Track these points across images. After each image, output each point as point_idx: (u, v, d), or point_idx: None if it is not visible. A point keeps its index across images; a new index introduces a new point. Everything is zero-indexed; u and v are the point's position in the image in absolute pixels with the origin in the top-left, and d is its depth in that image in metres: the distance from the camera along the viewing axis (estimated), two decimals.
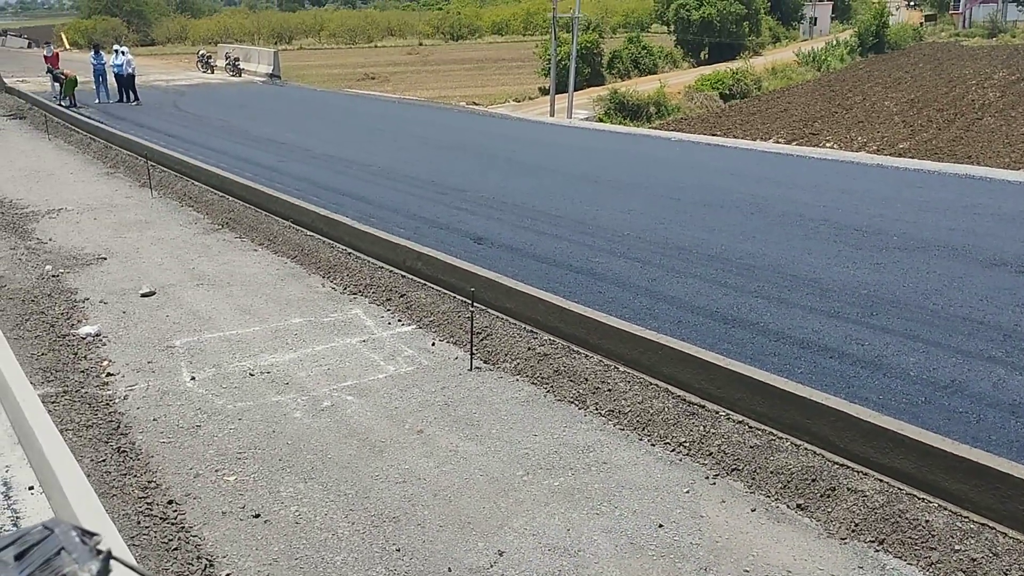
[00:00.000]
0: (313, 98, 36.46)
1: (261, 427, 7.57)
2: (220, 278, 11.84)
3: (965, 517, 5.79)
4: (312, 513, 6.24)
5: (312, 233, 13.43)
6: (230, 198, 16.08)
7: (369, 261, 11.95)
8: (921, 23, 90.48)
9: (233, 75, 44.22)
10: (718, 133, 31.78)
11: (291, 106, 32.72)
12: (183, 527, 6.07)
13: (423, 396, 8.15)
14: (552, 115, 35.66)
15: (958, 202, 14.60)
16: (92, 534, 1.63)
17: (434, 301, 10.38)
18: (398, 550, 5.80)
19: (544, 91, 43.20)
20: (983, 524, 5.71)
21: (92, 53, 31.27)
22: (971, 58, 59.35)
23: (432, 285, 10.82)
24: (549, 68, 39.09)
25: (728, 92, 46.04)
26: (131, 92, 30.75)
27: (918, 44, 74.57)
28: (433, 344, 9.45)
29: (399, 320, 10.17)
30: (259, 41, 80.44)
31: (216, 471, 6.84)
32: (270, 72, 42.95)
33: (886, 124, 34.13)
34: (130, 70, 30.25)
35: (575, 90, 37.98)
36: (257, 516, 6.20)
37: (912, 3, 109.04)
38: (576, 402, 7.94)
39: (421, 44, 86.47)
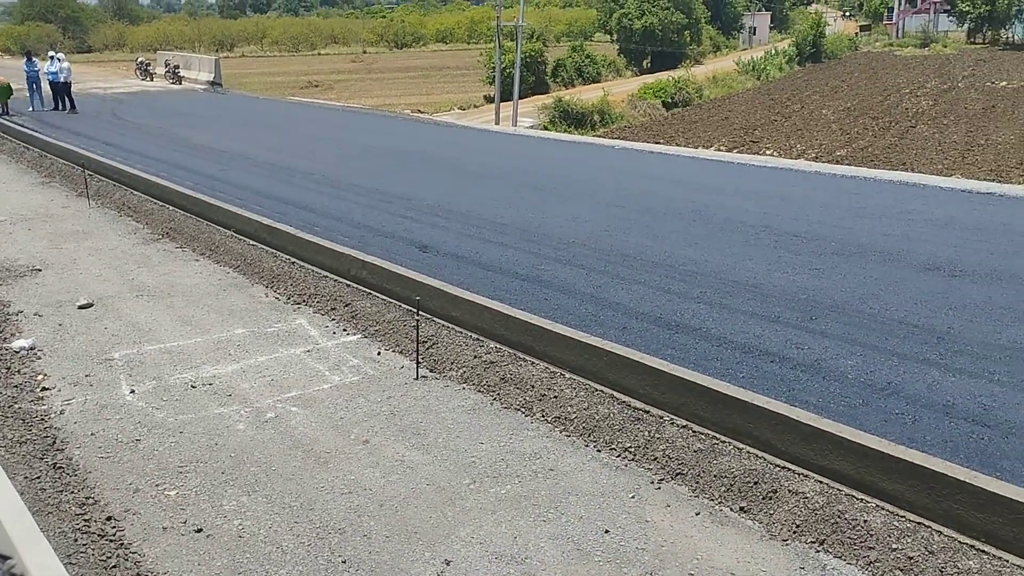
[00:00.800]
0: (255, 106, 36.04)
1: (203, 440, 7.44)
2: (160, 289, 11.63)
3: (902, 516, 5.93)
4: (256, 527, 6.15)
5: (255, 243, 13.26)
6: (170, 208, 15.81)
7: (313, 270, 11.84)
8: (856, 33, 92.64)
9: (173, 83, 43.54)
10: (661, 141, 32.13)
11: (233, 114, 32.31)
12: (122, 544, 5.94)
13: (369, 406, 8.10)
14: (497, 123, 35.75)
15: (893, 208, 14.97)
16: (5, 557, 1.59)
17: (379, 310, 10.32)
18: (344, 562, 5.74)
19: (489, 99, 43.31)
20: (919, 523, 5.85)
21: (25, 60, 30.56)
22: (904, 67, 60.97)
23: (377, 294, 10.76)
24: (494, 76, 39.20)
25: (670, 100, 46.61)
26: (67, 100, 30.09)
27: (854, 53, 76.36)
28: (378, 353, 9.39)
29: (344, 330, 10.10)
30: (200, 48, 79.29)
31: (157, 486, 6.70)
32: (211, 80, 42.38)
33: (824, 132, 34.85)
34: (63, 77, 29.59)
35: (520, 98, 38.14)
36: (199, 531, 6.09)
37: (847, 13, 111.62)
38: (522, 409, 7.95)
39: (365, 52, 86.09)
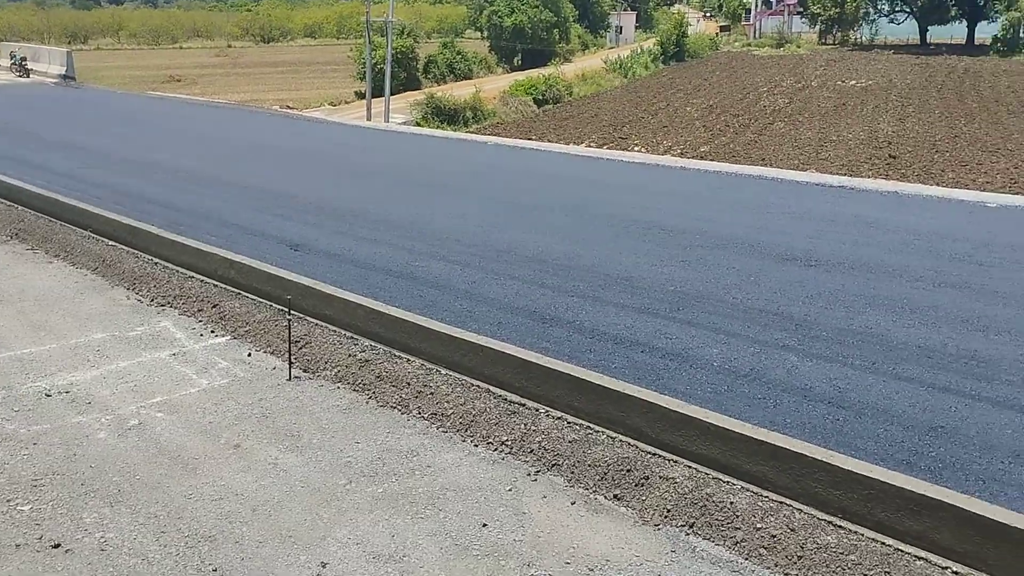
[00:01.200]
0: (113, 101, 34.46)
1: (60, 451, 7.06)
2: (9, 293, 10.97)
3: (765, 496, 6.19)
4: (119, 539, 5.88)
5: (115, 243, 12.68)
6: (19, 208, 14.93)
7: (178, 271, 11.42)
8: (717, 33, 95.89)
9: (20, 76, 41.19)
10: (533, 137, 32.44)
11: (89, 109, 30.79)
12: None
13: (239, 409, 7.87)
14: (369, 119, 35.30)
15: (753, 201, 15.60)
16: None
17: (249, 310, 10.05)
18: (215, 570, 5.56)
19: (360, 95, 42.69)
20: (781, 502, 6.12)
21: None
22: (762, 67, 63.56)
23: (247, 294, 10.47)
24: (365, 72, 38.70)
25: (541, 97, 47.05)
26: None
27: (715, 53, 79.07)
28: (249, 355, 9.15)
29: (212, 331, 9.78)
30: (50, 40, 74.98)
31: (7, 501, 6.32)
32: (63, 73, 40.32)
33: (688, 129, 35.97)
34: None
35: (391, 94, 37.79)
36: (57, 546, 5.77)
37: (708, 14, 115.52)
38: (399, 407, 7.90)
39: (230, 46, 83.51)
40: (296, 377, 8.55)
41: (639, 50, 69.17)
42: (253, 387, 8.34)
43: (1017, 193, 20.19)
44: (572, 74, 54.85)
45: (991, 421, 6.89)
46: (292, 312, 8.90)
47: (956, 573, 5.36)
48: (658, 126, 36.85)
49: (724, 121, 37.72)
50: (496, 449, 7.15)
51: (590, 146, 30.69)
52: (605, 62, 62.87)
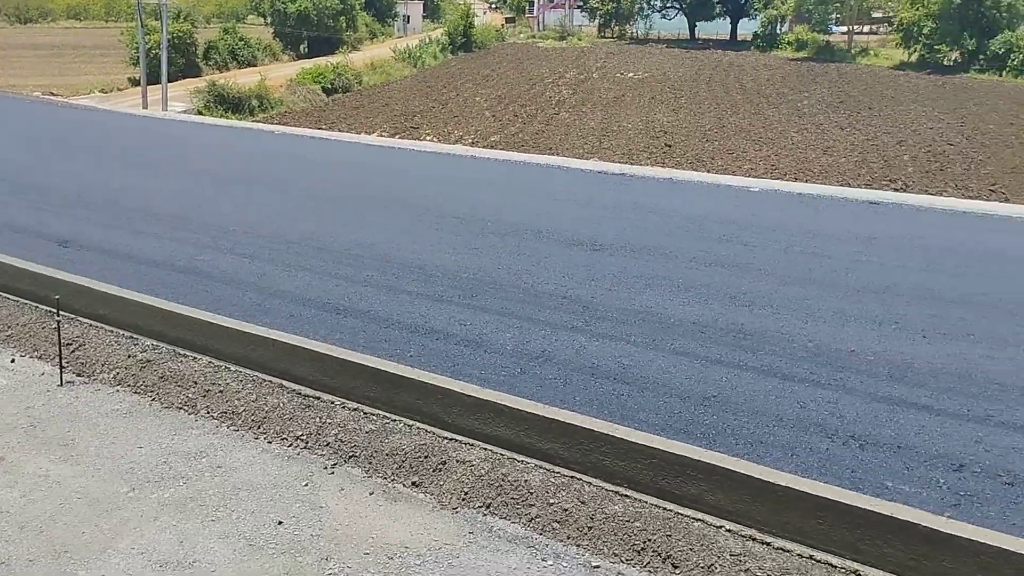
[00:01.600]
0: None
1: None
2: None
3: (557, 472, 6.42)
4: None
5: None
6: None
7: None
8: (503, 25, 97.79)
9: None
10: (323, 127, 31.82)
11: None
12: None
13: (3, 420, 7.25)
14: (145, 107, 33.34)
15: (542, 188, 16.07)
16: None
17: (12, 313, 9.26)
18: None
19: (135, 82, 40.18)
20: (572, 477, 6.37)
21: None
22: (547, 58, 65.40)
23: (9, 296, 9.65)
24: (139, 57, 36.47)
25: (330, 86, 46.21)
26: None
27: (501, 44, 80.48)
28: (13, 361, 8.44)
29: None
30: None
31: None
32: None
33: (478, 118, 36.48)
34: None
35: (169, 81, 35.88)
36: None
37: (494, 5, 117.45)
38: (185, 407, 7.55)
39: None
40: (69, 382, 7.98)
41: (427, 40, 69.38)
42: (18, 395, 7.70)
43: (777, 178, 21.97)
44: (361, 63, 54.23)
45: (756, 389, 7.48)
46: (61, 313, 8.28)
47: (729, 531, 5.78)
48: (449, 116, 37.15)
49: (512, 111, 38.54)
50: (291, 445, 6.99)
51: (382, 135, 30.48)
52: (394, 51, 62.58)
